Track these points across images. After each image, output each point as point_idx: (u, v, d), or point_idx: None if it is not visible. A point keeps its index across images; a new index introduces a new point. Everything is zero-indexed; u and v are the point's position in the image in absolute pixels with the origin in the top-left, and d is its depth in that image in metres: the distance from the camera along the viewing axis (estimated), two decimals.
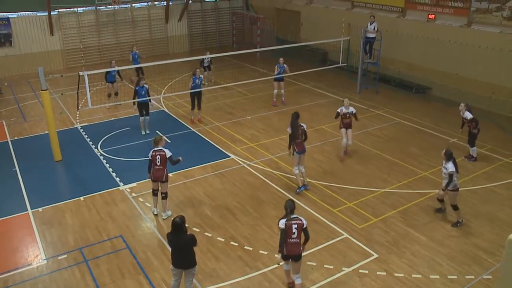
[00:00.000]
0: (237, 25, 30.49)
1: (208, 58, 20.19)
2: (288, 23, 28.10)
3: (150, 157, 10.31)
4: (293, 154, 11.57)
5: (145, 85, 15.20)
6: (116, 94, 18.16)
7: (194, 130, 15.84)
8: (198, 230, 10.24)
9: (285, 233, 7.69)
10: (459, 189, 10.20)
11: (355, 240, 9.87)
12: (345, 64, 20.31)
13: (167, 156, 10.27)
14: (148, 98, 15.33)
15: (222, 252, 9.54)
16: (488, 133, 15.48)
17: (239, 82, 19.21)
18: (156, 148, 10.32)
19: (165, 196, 10.66)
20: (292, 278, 8.25)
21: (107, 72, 17.42)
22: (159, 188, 10.61)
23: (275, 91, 18.33)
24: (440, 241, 9.82)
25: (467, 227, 10.32)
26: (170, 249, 7.81)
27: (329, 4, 24.83)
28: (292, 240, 7.74)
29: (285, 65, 17.92)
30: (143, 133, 15.54)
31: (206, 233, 10.14)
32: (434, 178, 12.46)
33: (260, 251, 9.51)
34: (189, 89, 16.27)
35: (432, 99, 19.25)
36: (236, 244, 9.77)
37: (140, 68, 19.97)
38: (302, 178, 11.87)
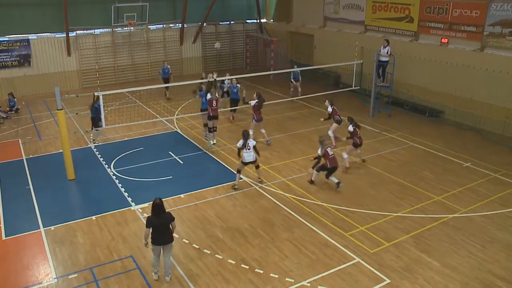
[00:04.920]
0: (250, 47, 30.84)
1: (227, 79, 19.72)
2: (301, 46, 28.36)
3: None
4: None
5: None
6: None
7: (207, 152, 15.90)
8: (209, 252, 10.21)
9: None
10: None
11: (367, 265, 9.74)
12: (358, 87, 20.42)
13: None
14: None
15: (233, 274, 9.47)
16: (503, 157, 15.33)
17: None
18: None
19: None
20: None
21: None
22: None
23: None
24: (454, 267, 9.65)
25: (482, 253, 10.14)
26: (150, 229, 8.74)
27: (343, 28, 25.04)
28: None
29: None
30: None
31: (217, 255, 10.09)
32: (447, 203, 12.32)
33: (271, 275, 9.43)
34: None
35: (445, 123, 19.15)
36: (247, 267, 9.70)
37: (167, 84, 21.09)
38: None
